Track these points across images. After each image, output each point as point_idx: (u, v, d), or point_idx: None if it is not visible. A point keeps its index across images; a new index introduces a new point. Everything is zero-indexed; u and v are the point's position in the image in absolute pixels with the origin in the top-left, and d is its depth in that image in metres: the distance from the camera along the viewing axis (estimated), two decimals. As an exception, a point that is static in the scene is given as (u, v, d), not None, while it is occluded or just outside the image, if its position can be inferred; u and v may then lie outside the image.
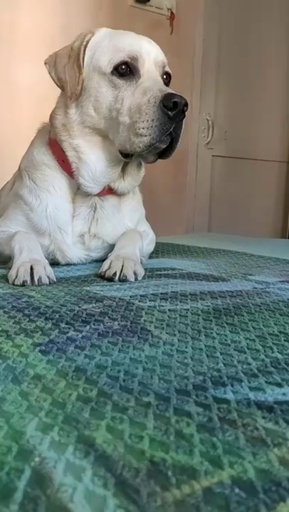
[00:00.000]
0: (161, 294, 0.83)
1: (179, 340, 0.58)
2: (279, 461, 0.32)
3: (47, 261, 0.97)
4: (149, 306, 0.74)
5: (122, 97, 0.95)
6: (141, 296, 0.81)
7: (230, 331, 0.63)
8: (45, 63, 1.03)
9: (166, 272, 1.05)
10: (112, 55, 0.97)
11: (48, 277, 0.89)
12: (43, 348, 0.53)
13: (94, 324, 0.63)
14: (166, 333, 0.61)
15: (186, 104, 0.91)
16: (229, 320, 0.69)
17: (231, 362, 0.52)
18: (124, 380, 0.45)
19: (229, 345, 0.58)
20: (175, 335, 0.61)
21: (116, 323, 0.65)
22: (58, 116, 1.05)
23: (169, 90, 0.92)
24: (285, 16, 3.18)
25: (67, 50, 1.02)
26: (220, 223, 3.10)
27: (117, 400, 0.41)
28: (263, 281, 0.96)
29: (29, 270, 0.89)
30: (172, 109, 0.89)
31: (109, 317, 0.67)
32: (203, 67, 3.24)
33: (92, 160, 1.02)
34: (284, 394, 0.43)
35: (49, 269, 0.92)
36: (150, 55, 0.99)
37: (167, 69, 1.04)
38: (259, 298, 0.83)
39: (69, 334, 0.58)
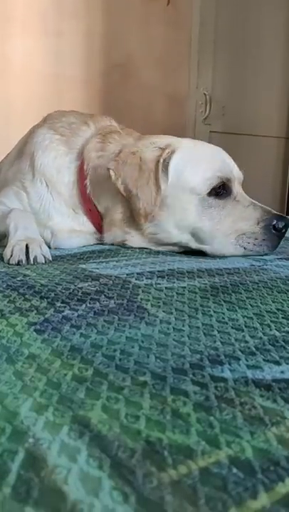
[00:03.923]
0: (158, 271, 0.82)
1: (175, 319, 0.58)
2: (277, 440, 0.32)
3: (42, 239, 0.96)
4: (145, 284, 0.73)
5: (219, 216, 0.96)
6: (138, 274, 0.80)
7: (227, 309, 0.63)
8: (109, 169, 0.95)
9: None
10: (206, 177, 0.95)
11: (44, 256, 0.88)
12: (38, 327, 0.52)
13: (90, 303, 0.62)
14: (163, 311, 0.61)
15: None
16: (227, 298, 0.68)
17: (229, 340, 0.51)
18: (120, 360, 0.44)
19: (226, 323, 0.57)
20: (172, 313, 0.60)
21: (112, 301, 0.64)
22: (118, 213, 1.00)
23: (273, 211, 0.97)
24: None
25: (137, 160, 0.95)
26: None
27: (113, 379, 0.40)
28: (261, 259, 0.96)
29: (24, 249, 0.88)
30: (281, 230, 0.95)
31: (105, 295, 0.66)
32: (200, 39, 3.15)
33: None
34: (282, 372, 0.42)
35: (45, 247, 0.91)
36: (237, 174, 1.01)
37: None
38: (257, 275, 0.82)
39: (64, 313, 0.57)
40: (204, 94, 3.20)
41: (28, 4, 2.49)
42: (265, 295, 0.70)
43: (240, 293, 0.71)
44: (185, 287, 0.73)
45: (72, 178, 1.04)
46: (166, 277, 0.78)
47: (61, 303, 0.61)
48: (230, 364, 0.44)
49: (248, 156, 3.28)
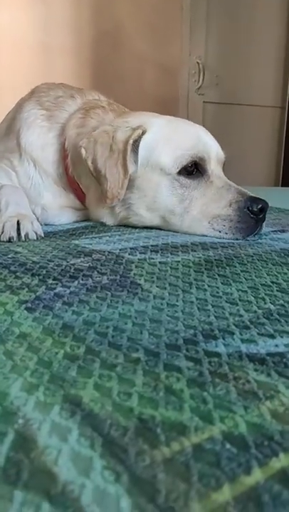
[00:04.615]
0: (152, 246, 0.81)
1: (169, 294, 0.57)
2: (271, 415, 0.32)
3: (34, 216, 0.94)
4: (139, 259, 0.72)
5: (190, 197, 0.90)
6: (131, 249, 0.79)
7: (222, 283, 0.62)
8: (81, 146, 0.92)
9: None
10: (177, 155, 0.90)
11: (36, 233, 0.87)
12: (29, 305, 0.51)
13: (82, 279, 0.62)
14: (157, 286, 0.60)
15: (268, 206, 0.90)
16: (221, 271, 0.67)
17: (223, 314, 0.50)
18: (112, 336, 0.44)
19: (221, 297, 0.56)
20: (165, 288, 0.59)
21: (105, 277, 0.63)
22: (95, 192, 0.97)
23: (249, 193, 0.89)
24: None
25: (109, 138, 0.91)
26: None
27: (105, 356, 0.39)
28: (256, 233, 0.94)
29: (16, 225, 0.86)
30: (258, 214, 0.87)
31: (98, 271, 0.65)
32: (192, 6, 3.05)
33: None
34: (276, 345, 0.42)
35: (36, 224, 0.90)
36: (214, 153, 0.94)
37: (224, 160, 0.99)
38: (251, 248, 0.81)
39: (56, 290, 0.56)
40: (197, 62, 3.12)
41: None
42: (260, 268, 0.69)
43: (235, 266, 0.70)
44: (179, 261, 0.72)
45: (56, 157, 1.01)
46: (160, 252, 0.77)
47: (53, 280, 0.60)
48: (224, 338, 0.43)
49: (243, 127, 3.23)
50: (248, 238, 0.88)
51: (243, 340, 0.43)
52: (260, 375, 0.37)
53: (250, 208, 0.87)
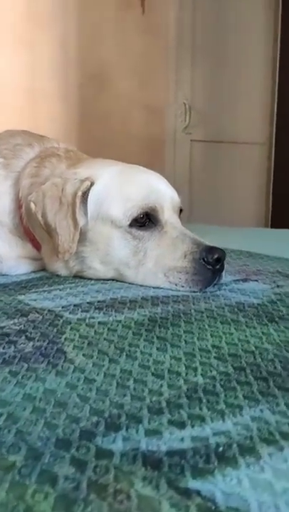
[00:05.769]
0: (98, 302, 0.76)
1: (93, 365, 0.52)
2: None
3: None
4: (78, 319, 0.67)
5: (144, 249, 0.86)
6: (75, 305, 0.74)
7: (157, 348, 0.57)
8: (30, 201, 0.89)
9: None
10: (127, 207, 0.86)
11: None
12: None
13: (4, 347, 0.56)
14: (83, 354, 0.55)
15: (225, 256, 0.85)
16: (162, 333, 0.62)
17: (141, 393, 0.45)
18: (0, 429, 0.38)
19: (149, 367, 0.51)
20: (92, 357, 0.54)
21: (31, 344, 0.58)
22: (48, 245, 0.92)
23: (205, 243, 0.84)
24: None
25: (58, 192, 0.87)
26: (200, 211, 3.03)
27: (-22, 459, 0.34)
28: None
29: None
30: (215, 265, 0.82)
31: (26, 336, 0.60)
32: (177, 48, 3.12)
33: None
34: (182, 439, 0.36)
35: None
36: (168, 201, 0.90)
37: (181, 206, 0.95)
38: (205, 302, 0.76)
39: None
40: (184, 103, 3.15)
41: (0, 15, 2.45)
42: (206, 328, 0.64)
43: (179, 326, 0.65)
44: (120, 321, 0.67)
45: (12, 206, 0.98)
46: (105, 309, 0.72)
47: None
48: (127, 429, 0.38)
49: (231, 164, 3.23)
50: (206, 290, 0.83)
51: (147, 433, 0.37)
52: (147, 486, 0.31)
53: (206, 259, 0.82)
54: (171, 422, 0.39)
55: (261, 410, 0.40)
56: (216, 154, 3.22)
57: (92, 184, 0.87)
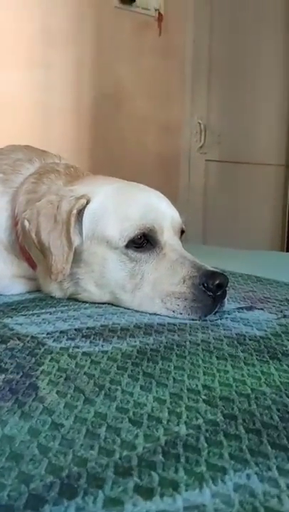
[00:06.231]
0: (88, 329, 0.70)
1: (65, 405, 0.46)
2: None
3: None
4: (61, 348, 0.61)
5: (141, 272, 0.80)
6: (61, 332, 0.68)
7: (140, 387, 0.50)
8: (25, 218, 0.84)
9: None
10: (123, 227, 0.80)
11: None
12: None
13: (-28, 380, 0.51)
14: (57, 391, 0.49)
15: (228, 281, 0.78)
16: (149, 368, 0.56)
17: (112, 444, 0.39)
18: None
19: (127, 411, 0.45)
20: (66, 395, 0.48)
21: (2, 376, 0.52)
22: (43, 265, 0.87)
23: (207, 267, 0.78)
24: (279, 15, 3.04)
25: (53, 210, 0.82)
26: (214, 232, 2.97)
27: None
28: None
29: None
30: (216, 291, 0.76)
31: (0, 367, 0.55)
32: (193, 68, 3.11)
33: None
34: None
35: None
36: (169, 221, 0.84)
37: (183, 227, 0.89)
38: (203, 333, 0.70)
39: None
40: (199, 123, 3.13)
41: (16, 35, 2.47)
42: (199, 363, 0.57)
43: (170, 360, 0.58)
44: (106, 352, 0.61)
45: (9, 223, 0.93)
46: (92, 337, 0.66)
47: None
48: (84, 497, 0.32)
49: (246, 185, 3.17)
50: (206, 318, 0.77)
51: (106, 501, 0.31)
52: None
53: (206, 285, 0.76)
54: (137, 489, 0.32)
55: (248, 476, 0.33)
56: (232, 174, 3.17)
57: (88, 202, 0.83)
